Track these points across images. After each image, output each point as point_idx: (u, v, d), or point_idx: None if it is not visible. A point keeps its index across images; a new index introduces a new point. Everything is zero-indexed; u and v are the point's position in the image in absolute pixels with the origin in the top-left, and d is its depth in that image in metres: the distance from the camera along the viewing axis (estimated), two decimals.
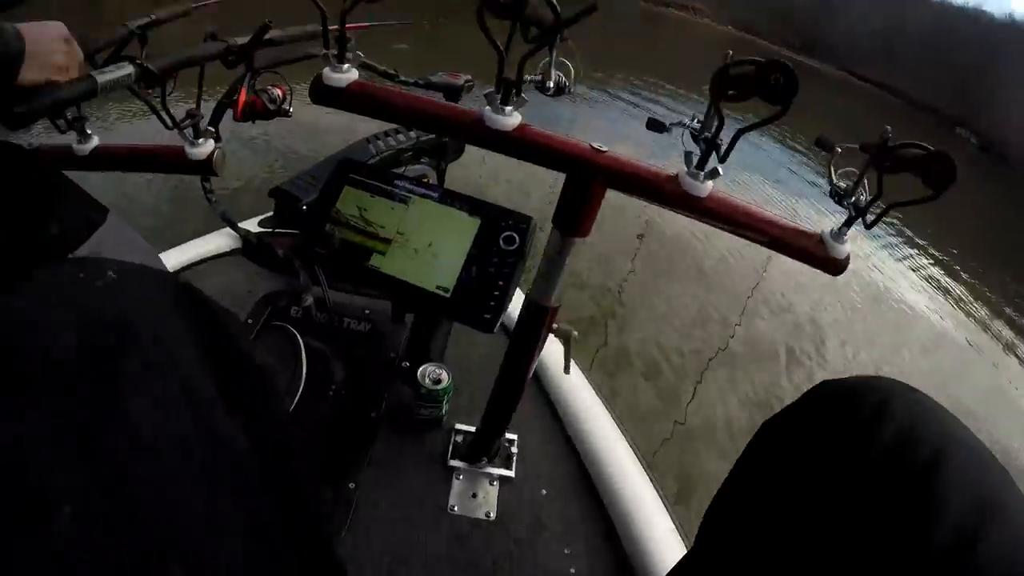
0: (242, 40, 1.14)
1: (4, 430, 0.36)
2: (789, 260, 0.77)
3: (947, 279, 6.84)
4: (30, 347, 0.39)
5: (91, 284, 0.44)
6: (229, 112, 1.23)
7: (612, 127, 8.05)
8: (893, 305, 5.43)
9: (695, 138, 0.76)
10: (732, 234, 0.77)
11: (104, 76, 0.89)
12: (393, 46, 6.68)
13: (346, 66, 0.79)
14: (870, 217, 0.73)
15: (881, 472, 0.52)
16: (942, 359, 4.79)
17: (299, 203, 1.56)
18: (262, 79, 1.20)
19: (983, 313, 6.24)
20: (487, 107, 0.76)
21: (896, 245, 7.37)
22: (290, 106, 1.21)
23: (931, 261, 7.22)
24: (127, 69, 0.92)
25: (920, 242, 7.65)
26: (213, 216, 1.63)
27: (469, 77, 1.53)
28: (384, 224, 0.95)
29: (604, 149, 0.76)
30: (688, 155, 0.74)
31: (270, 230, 1.71)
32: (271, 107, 1.16)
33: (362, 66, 1.15)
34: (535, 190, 4.67)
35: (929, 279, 6.62)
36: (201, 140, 1.08)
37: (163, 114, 1.02)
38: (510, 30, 0.71)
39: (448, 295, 0.91)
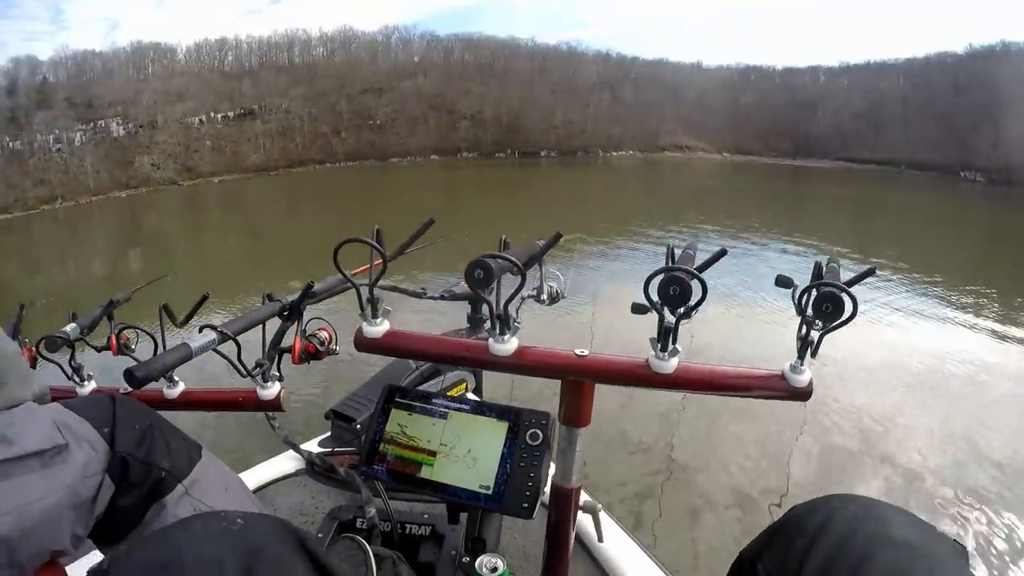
0: (292, 297, 1.37)
1: None
2: None
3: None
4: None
5: (231, 529, 0.63)
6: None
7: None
8: None
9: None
10: (704, 394, 0.90)
11: (195, 343, 1.13)
12: None
13: (379, 319, 0.98)
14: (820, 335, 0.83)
15: None
16: None
17: (353, 423, 1.72)
18: (311, 325, 1.40)
19: None
20: (489, 338, 0.93)
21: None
22: (337, 345, 1.40)
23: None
24: (211, 336, 1.16)
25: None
26: (277, 441, 1.80)
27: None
28: (429, 439, 1.10)
29: (585, 353, 0.92)
30: (653, 340, 0.88)
31: (330, 450, 1.86)
32: (321, 349, 1.36)
33: (393, 289, 1.36)
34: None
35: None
36: (269, 383, 1.28)
37: (239, 366, 1.23)
38: (496, 284, 0.90)
39: (490, 492, 1.04)
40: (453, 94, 71.35)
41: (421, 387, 1.74)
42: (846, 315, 0.79)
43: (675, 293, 0.79)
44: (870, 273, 0.88)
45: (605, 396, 1.04)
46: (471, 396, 1.92)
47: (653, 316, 0.86)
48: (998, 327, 6.79)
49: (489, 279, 0.84)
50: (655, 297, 0.83)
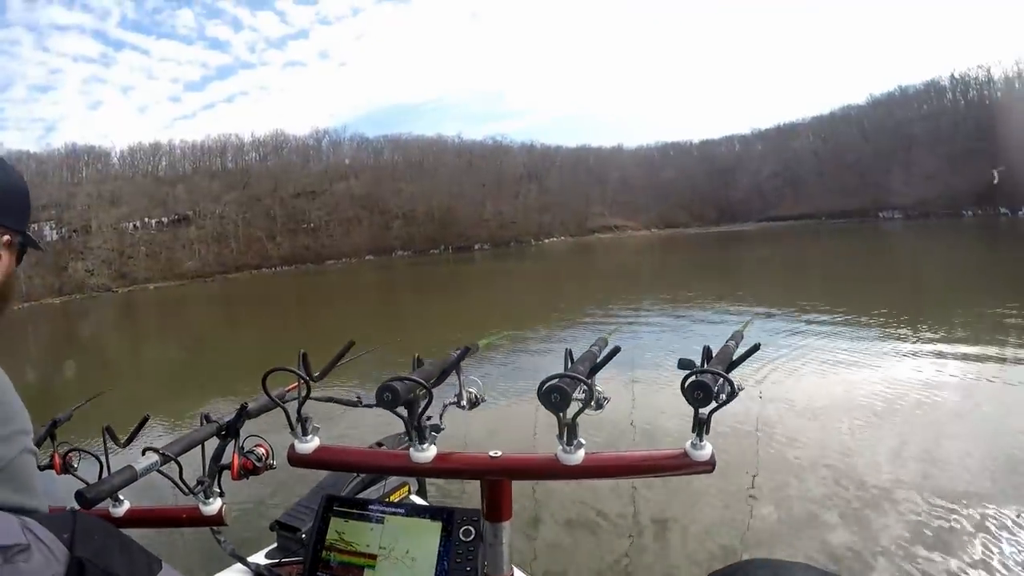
0: (228, 418, 1.42)
1: None
2: None
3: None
4: None
5: None
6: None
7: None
8: None
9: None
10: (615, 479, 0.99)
11: (140, 465, 1.19)
12: None
13: (309, 437, 1.06)
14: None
15: None
16: None
17: (298, 532, 1.74)
18: (248, 441, 1.45)
19: None
20: (410, 448, 1.02)
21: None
22: (274, 459, 1.45)
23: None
24: (154, 458, 1.22)
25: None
26: (224, 554, 1.79)
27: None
28: (368, 543, 1.17)
29: (499, 454, 1.02)
30: (559, 437, 0.97)
31: (277, 561, 1.85)
32: (259, 465, 1.41)
33: (328, 400, 1.43)
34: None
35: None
36: (211, 500, 1.32)
37: (181, 485, 1.28)
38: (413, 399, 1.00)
39: None
40: (385, 194, 72.46)
41: (364, 492, 1.78)
42: (721, 399, 0.90)
43: (555, 400, 0.90)
44: (755, 350, 1.01)
45: None
46: (414, 498, 1.96)
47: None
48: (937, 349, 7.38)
49: (396, 401, 0.94)
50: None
